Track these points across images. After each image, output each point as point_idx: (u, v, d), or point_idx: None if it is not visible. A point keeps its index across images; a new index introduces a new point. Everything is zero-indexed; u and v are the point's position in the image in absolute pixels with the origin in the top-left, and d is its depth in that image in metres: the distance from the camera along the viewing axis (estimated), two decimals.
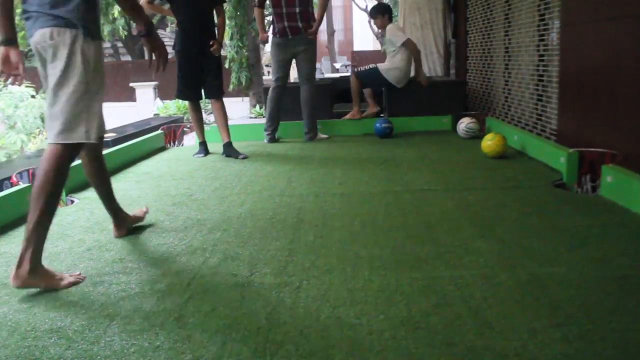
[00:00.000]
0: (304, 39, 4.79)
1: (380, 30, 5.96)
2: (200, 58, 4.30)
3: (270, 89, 4.98)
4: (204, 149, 4.57)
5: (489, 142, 3.90)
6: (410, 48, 5.36)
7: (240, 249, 2.30)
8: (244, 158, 4.31)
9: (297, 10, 4.72)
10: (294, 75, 5.37)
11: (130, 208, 3.00)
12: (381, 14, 5.49)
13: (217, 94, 4.43)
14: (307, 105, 4.94)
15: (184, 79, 4.36)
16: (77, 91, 1.99)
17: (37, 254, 1.96)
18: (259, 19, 5.11)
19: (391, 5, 10.18)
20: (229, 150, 4.42)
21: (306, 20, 4.77)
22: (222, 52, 4.88)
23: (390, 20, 5.50)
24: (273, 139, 5.03)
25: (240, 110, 12.29)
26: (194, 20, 4.28)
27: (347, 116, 5.62)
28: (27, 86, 13.52)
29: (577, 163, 3.19)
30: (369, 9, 27.57)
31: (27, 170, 4.15)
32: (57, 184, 1.97)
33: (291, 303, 1.78)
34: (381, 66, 5.51)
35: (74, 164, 2.07)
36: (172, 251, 2.31)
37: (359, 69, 5.82)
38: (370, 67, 5.64)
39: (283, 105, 4.97)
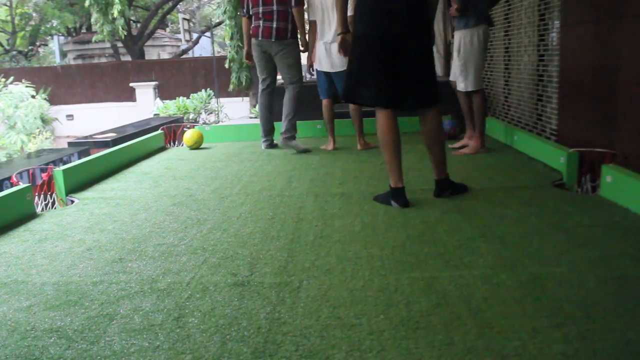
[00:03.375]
0: (279, 41, 4.45)
1: None
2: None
3: (259, 93, 4.76)
4: None
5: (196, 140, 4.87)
6: None
7: (240, 249, 2.30)
8: None
9: (275, 9, 4.40)
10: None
11: (131, 208, 3.01)
12: None
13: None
14: (286, 106, 4.56)
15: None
16: None
17: None
18: (245, 29, 4.78)
19: None
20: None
21: (283, 20, 4.42)
22: (222, 52, 4.75)
23: None
24: (271, 146, 4.74)
25: (240, 110, 12.28)
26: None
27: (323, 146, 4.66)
28: (27, 86, 13.53)
29: (577, 163, 3.18)
30: None
31: (27, 170, 4.15)
32: None
33: (291, 303, 1.78)
34: None
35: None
36: (172, 251, 2.30)
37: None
38: None
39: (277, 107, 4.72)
